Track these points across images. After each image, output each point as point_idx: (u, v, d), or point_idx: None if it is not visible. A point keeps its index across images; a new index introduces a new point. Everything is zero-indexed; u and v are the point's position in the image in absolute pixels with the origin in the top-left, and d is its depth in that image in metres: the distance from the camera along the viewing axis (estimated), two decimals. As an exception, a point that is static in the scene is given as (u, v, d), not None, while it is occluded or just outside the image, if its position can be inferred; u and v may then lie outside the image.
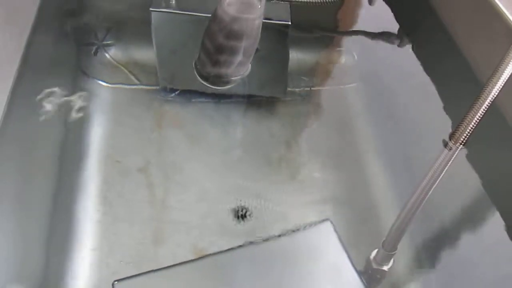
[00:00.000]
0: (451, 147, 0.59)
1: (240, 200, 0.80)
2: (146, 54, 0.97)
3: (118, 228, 0.75)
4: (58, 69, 0.95)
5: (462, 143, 0.58)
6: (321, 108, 0.99)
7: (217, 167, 0.85)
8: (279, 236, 0.71)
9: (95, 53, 0.97)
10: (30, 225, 0.73)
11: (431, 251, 0.77)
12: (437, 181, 0.60)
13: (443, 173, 0.60)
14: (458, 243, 0.76)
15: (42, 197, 0.77)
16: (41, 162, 0.81)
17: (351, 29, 1.14)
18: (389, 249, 0.67)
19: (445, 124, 0.88)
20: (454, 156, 0.59)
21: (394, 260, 0.70)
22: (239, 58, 0.80)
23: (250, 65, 0.85)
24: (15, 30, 0.84)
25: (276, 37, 0.90)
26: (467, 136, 0.58)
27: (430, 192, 0.61)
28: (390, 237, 0.66)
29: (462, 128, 0.57)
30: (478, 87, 0.57)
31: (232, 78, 0.83)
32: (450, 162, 0.59)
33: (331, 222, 0.72)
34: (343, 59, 1.07)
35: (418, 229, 0.76)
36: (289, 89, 0.98)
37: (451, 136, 0.59)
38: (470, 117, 0.57)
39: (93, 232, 0.74)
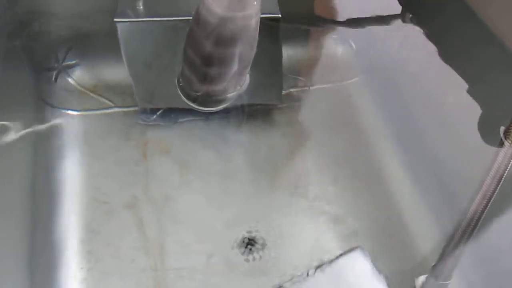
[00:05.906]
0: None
1: (246, 231, 0.72)
2: (118, 73, 0.87)
3: (109, 285, 0.66)
4: (13, 99, 0.83)
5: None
6: (324, 110, 0.90)
7: (215, 194, 0.76)
8: (307, 273, 0.62)
9: (56, 79, 0.85)
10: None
11: (495, 278, 0.66)
12: (499, 187, 0.50)
13: (504, 176, 0.50)
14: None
15: (14, 257, 0.66)
16: (6, 212, 0.70)
17: (346, 16, 1.04)
18: (442, 277, 0.56)
19: (473, 110, 0.79)
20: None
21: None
22: (233, 69, 0.67)
23: (248, 76, 0.72)
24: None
25: (266, 34, 0.79)
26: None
27: (491, 202, 0.51)
28: (443, 262, 0.55)
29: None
30: (506, 56, 0.47)
31: (228, 95, 0.70)
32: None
33: (363, 249, 0.63)
34: (339, 51, 0.98)
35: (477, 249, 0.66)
36: (284, 92, 0.89)
37: (507, 134, 0.49)
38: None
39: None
